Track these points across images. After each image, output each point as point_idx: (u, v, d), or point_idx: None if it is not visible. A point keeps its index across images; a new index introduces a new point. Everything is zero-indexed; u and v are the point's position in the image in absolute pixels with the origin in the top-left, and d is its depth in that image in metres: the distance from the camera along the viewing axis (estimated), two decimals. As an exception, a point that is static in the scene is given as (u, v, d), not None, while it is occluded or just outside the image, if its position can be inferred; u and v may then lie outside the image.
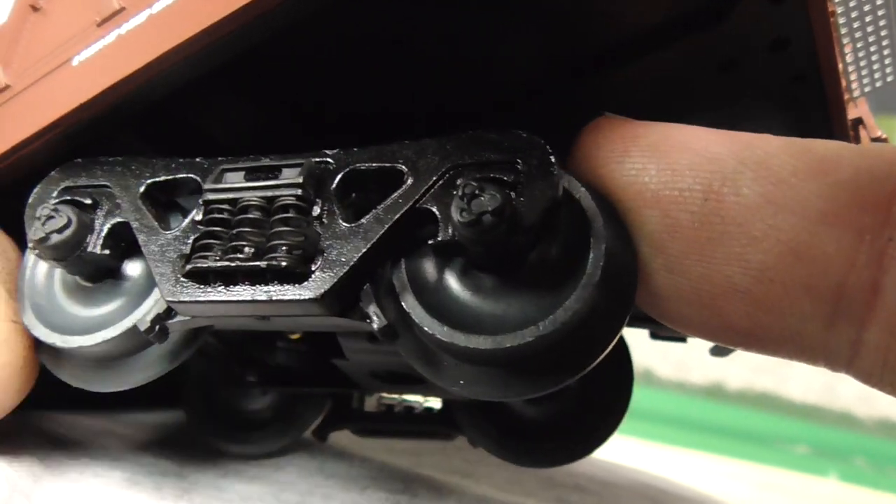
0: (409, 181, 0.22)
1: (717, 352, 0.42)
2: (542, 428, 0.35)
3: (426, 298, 0.22)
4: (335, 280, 0.21)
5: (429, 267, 0.22)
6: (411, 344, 0.22)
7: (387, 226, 0.22)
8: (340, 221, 0.22)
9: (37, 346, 0.27)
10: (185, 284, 0.23)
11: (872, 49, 0.29)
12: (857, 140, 0.30)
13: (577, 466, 0.44)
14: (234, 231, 0.23)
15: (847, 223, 0.18)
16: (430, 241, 0.22)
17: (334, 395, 0.38)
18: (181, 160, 0.25)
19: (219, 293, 0.22)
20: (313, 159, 0.23)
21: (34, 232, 0.25)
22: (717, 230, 0.20)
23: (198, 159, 0.25)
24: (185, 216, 0.25)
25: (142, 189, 0.25)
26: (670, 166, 0.20)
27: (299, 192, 0.23)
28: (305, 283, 0.22)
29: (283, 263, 0.21)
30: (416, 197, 0.22)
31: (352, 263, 0.22)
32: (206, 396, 0.38)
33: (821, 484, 1.18)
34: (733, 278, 0.20)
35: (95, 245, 0.25)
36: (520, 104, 0.27)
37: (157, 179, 0.25)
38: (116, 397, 0.42)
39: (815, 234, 0.19)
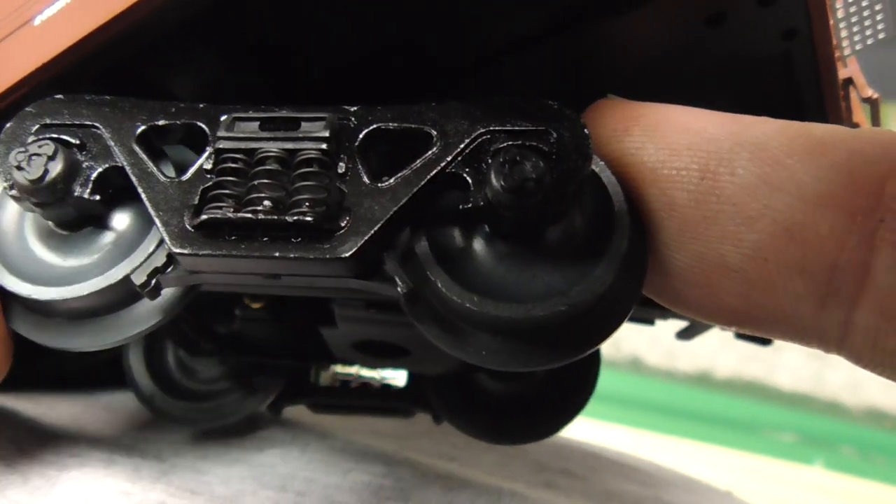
0: (439, 144, 0.21)
1: (683, 335, 0.42)
2: (510, 404, 0.35)
3: (450, 266, 0.21)
4: (364, 239, 0.21)
5: (451, 233, 0.22)
6: (426, 312, 0.21)
7: (416, 188, 0.21)
8: (365, 180, 0.21)
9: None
10: (195, 236, 0.21)
11: (864, 4, 0.28)
12: (847, 100, 0.30)
13: (564, 450, 0.44)
14: (251, 183, 0.21)
15: (840, 204, 0.19)
16: (460, 206, 0.21)
17: (290, 369, 0.36)
18: (181, 104, 0.23)
19: (234, 247, 0.21)
20: (334, 113, 0.22)
21: (17, 173, 0.22)
22: (712, 209, 0.20)
23: (200, 105, 0.23)
24: (175, 164, 0.24)
25: (137, 132, 0.23)
26: (669, 146, 0.21)
27: (324, 146, 0.22)
28: (332, 240, 0.21)
29: (310, 218, 0.20)
30: (447, 160, 0.21)
31: (381, 223, 0.21)
32: (154, 365, 0.36)
33: (807, 472, 1.20)
34: (727, 257, 0.20)
35: (84, 190, 0.23)
36: (499, 61, 0.26)
37: (156, 123, 0.23)
38: (93, 376, 0.42)
39: (809, 215, 0.19)
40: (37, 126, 0.24)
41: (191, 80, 0.26)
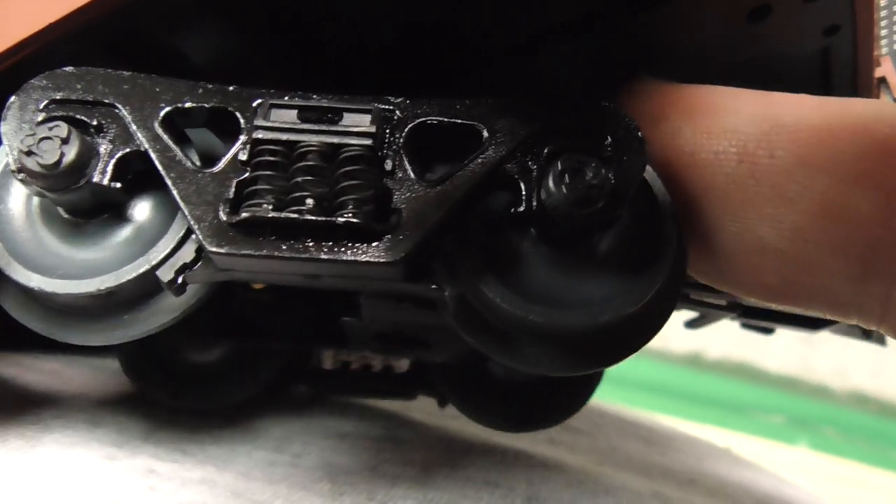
0: (490, 143, 0.20)
1: (692, 325, 0.43)
2: (520, 391, 0.34)
3: (498, 271, 0.20)
4: (414, 242, 0.19)
5: (497, 237, 0.21)
6: (470, 318, 0.21)
7: (467, 188, 0.20)
8: (413, 178, 0.20)
9: None
10: (233, 234, 0.20)
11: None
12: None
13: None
14: (294, 179, 0.20)
15: (881, 182, 0.19)
16: (511, 210, 0.20)
17: (292, 351, 0.35)
18: (209, 85, 0.22)
19: (276, 247, 0.20)
20: (378, 105, 0.21)
21: (27, 158, 0.21)
22: (751, 191, 0.20)
23: (230, 88, 0.22)
24: (197, 151, 0.22)
25: (162, 114, 0.21)
26: (706, 129, 0.20)
27: (370, 142, 0.20)
28: (380, 243, 0.19)
29: (359, 220, 0.19)
30: (499, 161, 0.20)
31: (431, 226, 0.20)
32: (148, 346, 0.34)
33: (791, 451, 1.21)
34: (766, 238, 0.20)
35: (103, 175, 0.21)
36: (535, 49, 0.24)
37: (181, 105, 0.22)
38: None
39: (849, 195, 0.19)
40: (45, 101, 0.22)
41: (210, 56, 0.24)
